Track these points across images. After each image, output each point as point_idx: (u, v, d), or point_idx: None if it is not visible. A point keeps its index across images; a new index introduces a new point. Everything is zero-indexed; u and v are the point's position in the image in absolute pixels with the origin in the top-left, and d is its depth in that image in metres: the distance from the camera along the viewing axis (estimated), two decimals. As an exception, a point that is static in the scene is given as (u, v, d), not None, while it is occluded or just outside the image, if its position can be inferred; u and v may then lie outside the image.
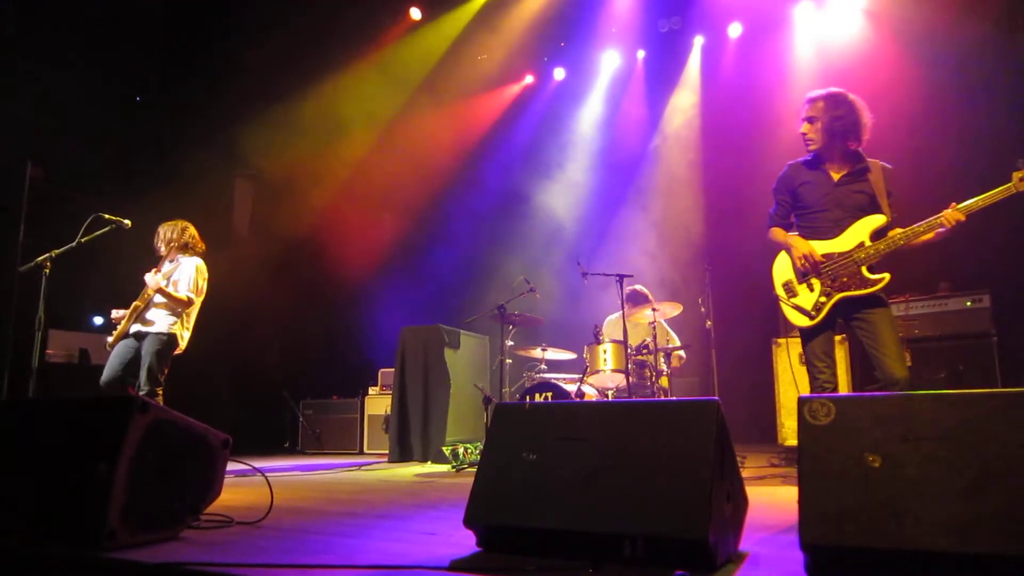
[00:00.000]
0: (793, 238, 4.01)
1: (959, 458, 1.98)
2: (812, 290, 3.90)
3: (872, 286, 3.74)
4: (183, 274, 5.65)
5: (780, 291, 4.03)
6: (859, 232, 3.83)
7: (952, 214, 3.61)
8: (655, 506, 2.24)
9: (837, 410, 2.18)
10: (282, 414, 9.94)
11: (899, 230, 3.77)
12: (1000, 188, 3.57)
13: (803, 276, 3.94)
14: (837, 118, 3.90)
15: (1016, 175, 3.55)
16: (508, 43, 9.91)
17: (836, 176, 3.95)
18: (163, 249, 5.75)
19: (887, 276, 3.74)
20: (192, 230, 5.86)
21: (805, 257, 3.87)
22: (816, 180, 3.99)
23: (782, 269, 4.07)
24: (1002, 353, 6.11)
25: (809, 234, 3.98)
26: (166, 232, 5.78)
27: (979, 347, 6.20)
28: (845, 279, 3.80)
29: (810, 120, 3.97)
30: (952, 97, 7.16)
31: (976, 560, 1.84)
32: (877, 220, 3.81)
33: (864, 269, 3.77)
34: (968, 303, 6.37)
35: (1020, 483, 1.88)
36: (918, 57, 7.43)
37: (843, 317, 3.89)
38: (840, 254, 3.84)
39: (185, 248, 5.78)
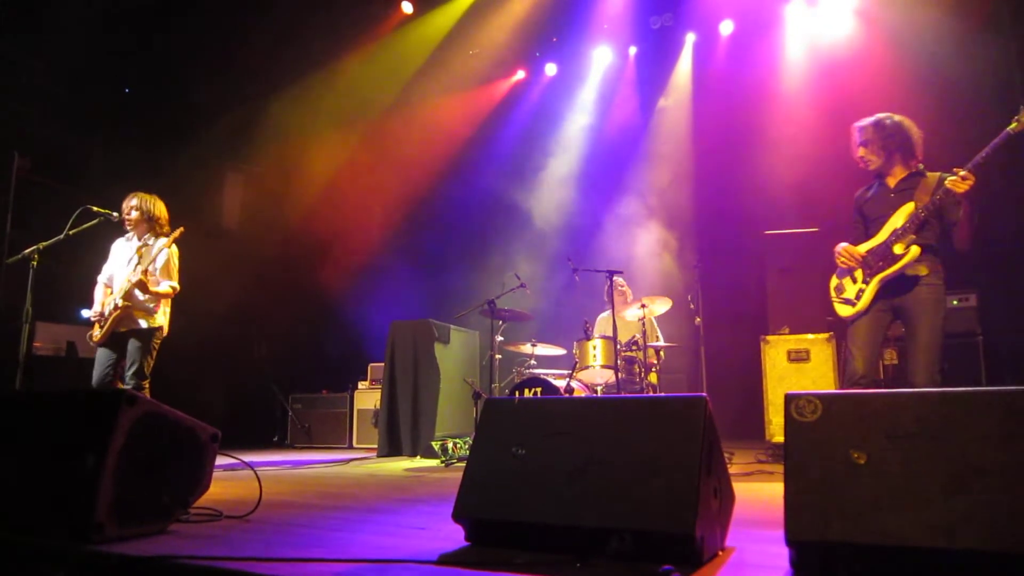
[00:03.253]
0: (838, 246, 4.32)
1: (943, 455, 2.00)
2: (855, 282, 4.18)
3: (899, 260, 3.96)
4: (159, 263, 5.41)
5: (832, 294, 4.35)
6: (894, 221, 4.06)
7: (953, 182, 3.76)
8: (643, 501, 2.26)
9: (823, 407, 2.20)
10: (271, 408, 9.92)
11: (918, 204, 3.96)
12: (1002, 133, 3.72)
13: (845, 272, 4.25)
14: (889, 136, 4.16)
15: (1021, 117, 3.70)
16: (500, 38, 9.89)
17: (892, 185, 4.20)
18: (134, 215, 5.44)
19: (915, 249, 3.92)
20: (163, 205, 5.59)
21: (840, 252, 4.22)
22: (876, 194, 4.28)
23: (833, 277, 4.40)
24: (987, 352, 6.16)
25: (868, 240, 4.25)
26: (141, 202, 5.48)
27: (965, 346, 6.24)
28: (880, 263, 4.05)
29: (864, 144, 4.23)
30: (941, 96, 7.20)
31: (959, 556, 1.86)
32: (908, 207, 4.02)
33: (894, 246, 3.99)
34: (955, 302, 6.42)
35: (1003, 480, 1.91)
36: (908, 57, 7.47)
37: (890, 306, 4.10)
38: (879, 244, 4.09)
39: (152, 223, 5.50)
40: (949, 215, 3.95)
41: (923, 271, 3.95)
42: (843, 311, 4.24)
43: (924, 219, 3.93)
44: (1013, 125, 3.71)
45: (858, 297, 4.12)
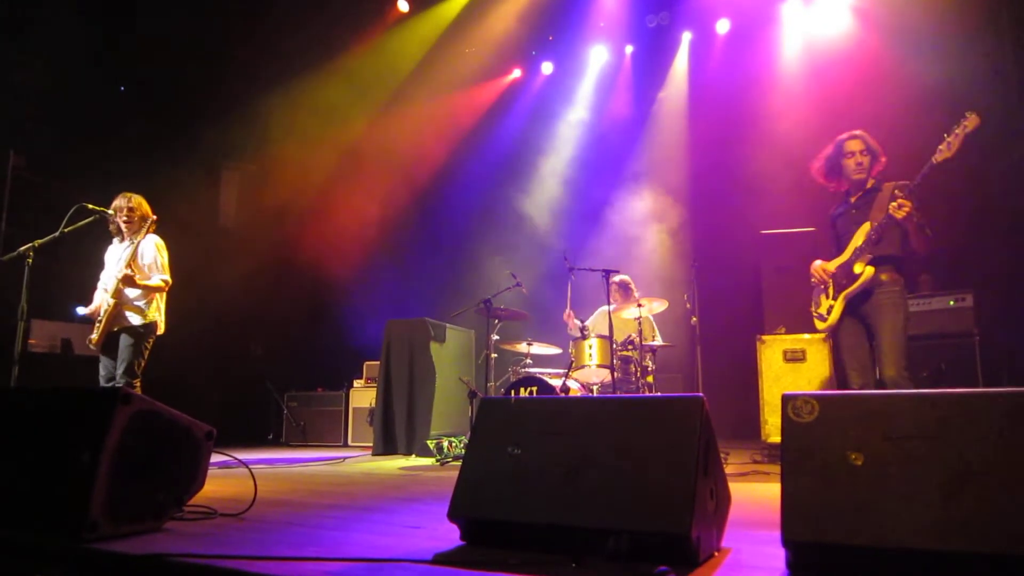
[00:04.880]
0: (812, 264, 4.65)
1: (940, 457, 2.00)
2: (828, 298, 4.51)
3: (857, 279, 4.28)
4: (147, 257, 5.39)
5: (813, 308, 4.69)
6: (855, 240, 4.36)
7: (893, 209, 4.02)
8: (639, 501, 2.25)
9: (820, 408, 2.19)
10: (267, 406, 9.91)
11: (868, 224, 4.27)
12: (929, 162, 4.00)
13: (820, 287, 4.58)
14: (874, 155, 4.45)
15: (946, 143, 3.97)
16: (496, 37, 9.90)
17: (853, 200, 4.50)
18: (129, 214, 5.40)
19: (870, 269, 4.23)
20: (140, 198, 5.53)
21: (813, 272, 4.58)
22: (842, 211, 4.59)
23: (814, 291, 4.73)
24: (984, 353, 6.16)
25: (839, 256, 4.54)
26: (138, 204, 5.46)
27: (961, 346, 6.24)
28: (844, 281, 4.36)
29: (869, 152, 4.44)
30: (937, 95, 7.20)
31: (955, 558, 1.86)
32: (865, 228, 4.31)
33: (855, 266, 4.30)
34: (951, 302, 6.42)
35: (999, 482, 1.91)
36: (904, 54, 7.48)
37: (858, 316, 4.38)
38: (844, 262, 4.40)
39: (144, 221, 5.44)
40: (902, 225, 4.15)
41: (882, 278, 4.25)
42: (818, 325, 4.61)
43: (877, 239, 4.22)
44: (937, 156, 3.96)
45: (829, 312, 4.47)
